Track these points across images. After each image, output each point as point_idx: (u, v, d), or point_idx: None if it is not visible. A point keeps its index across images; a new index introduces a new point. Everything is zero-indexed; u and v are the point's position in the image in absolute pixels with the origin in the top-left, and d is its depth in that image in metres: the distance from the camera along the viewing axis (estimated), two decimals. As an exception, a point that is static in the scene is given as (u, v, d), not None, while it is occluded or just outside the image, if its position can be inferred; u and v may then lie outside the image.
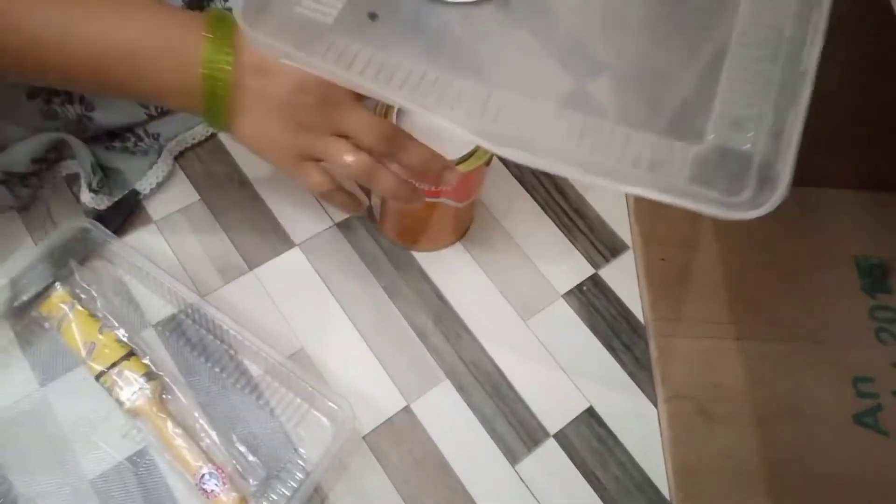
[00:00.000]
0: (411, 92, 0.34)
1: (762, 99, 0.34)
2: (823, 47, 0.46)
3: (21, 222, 0.55)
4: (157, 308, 0.53)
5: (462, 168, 0.47)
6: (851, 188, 0.65)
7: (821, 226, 0.64)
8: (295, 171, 0.43)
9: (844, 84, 0.50)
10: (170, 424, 0.46)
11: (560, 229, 0.60)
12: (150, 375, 0.48)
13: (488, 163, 0.49)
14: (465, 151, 0.47)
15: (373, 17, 0.37)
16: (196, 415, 0.47)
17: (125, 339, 0.49)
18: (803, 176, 0.63)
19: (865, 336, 0.60)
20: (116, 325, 0.49)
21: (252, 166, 0.60)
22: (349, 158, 0.41)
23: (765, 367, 0.56)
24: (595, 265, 0.59)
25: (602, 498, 0.50)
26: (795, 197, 0.66)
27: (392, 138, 0.42)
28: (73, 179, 0.57)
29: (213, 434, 0.47)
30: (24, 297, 0.51)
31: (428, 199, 0.49)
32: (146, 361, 0.49)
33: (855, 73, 0.52)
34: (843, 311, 0.61)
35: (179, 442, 0.46)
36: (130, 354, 0.48)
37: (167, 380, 0.49)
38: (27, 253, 0.52)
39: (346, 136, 0.42)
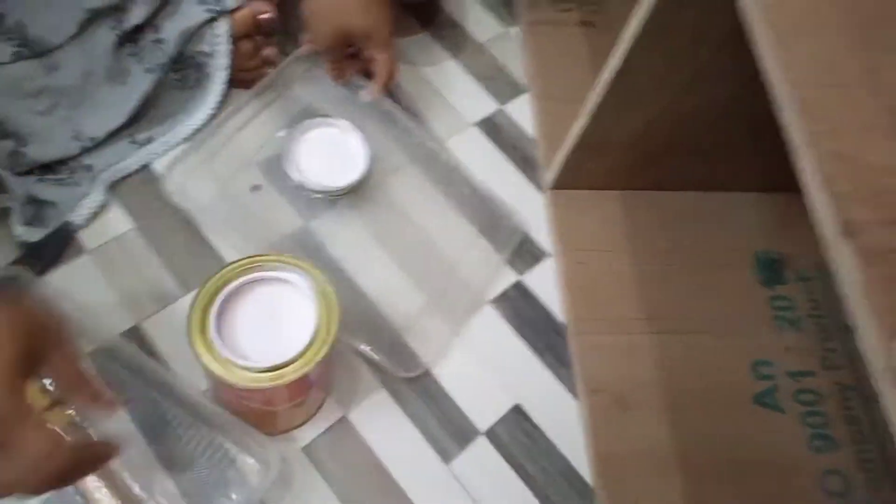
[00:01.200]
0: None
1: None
2: (716, 63, 0.51)
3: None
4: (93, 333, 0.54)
5: (270, 379, 0.43)
6: (752, 190, 0.71)
7: (725, 225, 0.70)
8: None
9: (737, 97, 0.56)
10: (90, 479, 0.45)
11: (493, 246, 0.64)
12: (74, 427, 0.46)
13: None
14: (273, 362, 0.43)
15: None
16: (117, 467, 0.46)
17: (49, 387, 0.43)
18: (710, 181, 0.70)
19: (765, 324, 0.66)
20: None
21: (185, 195, 0.61)
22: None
23: (675, 358, 0.61)
24: (518, 272, 0.63)
25: (532, 489, 0.53)
26: (703, 200, 0.72)
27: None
28: (3, 213, 0.57)
29: (136, 487, 0.46)
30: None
31: (235, 400, 0.46)
32: (70, 411, 0.45)
33: (745, 86, 0.57)
34: (744, 302, 0.66)
35: (100, 496, 0.45)
36: (54, 405, 0.44)
37: (90, 432, 0.46)
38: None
39: None
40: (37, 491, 0.35)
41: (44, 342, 0.35)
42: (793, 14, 0.33)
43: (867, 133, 0.30)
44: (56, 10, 0.59)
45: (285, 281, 0.46)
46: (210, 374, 0.43)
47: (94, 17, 0.59)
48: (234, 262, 0.45)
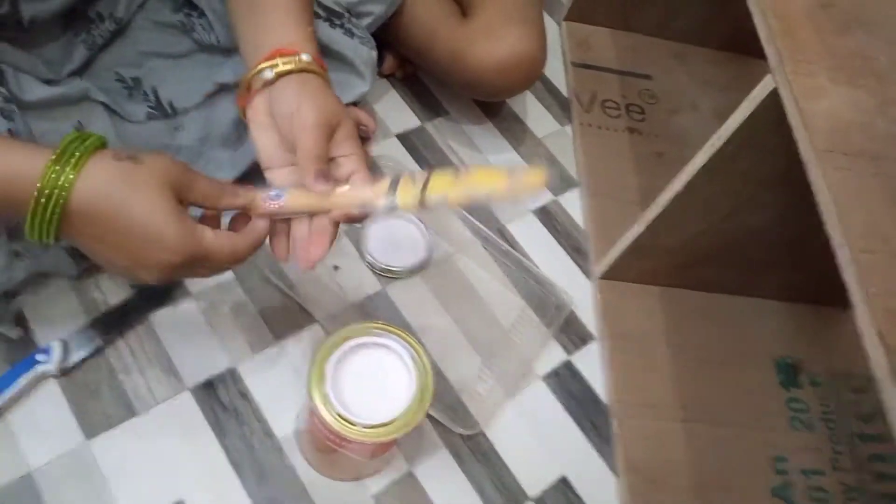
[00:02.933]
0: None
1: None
2: (760, 197, 0.60)
3: (72, 291, 0.61)
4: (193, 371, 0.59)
5: (372, 436, 0.48)
6: (774, 299, 0.80)
7: (751, 328, 0.78)
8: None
9: (771, 223, 0.64)
10: None
11: (542, 321, 0.71)
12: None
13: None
14: (377, 421, 0.48)
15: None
16: None
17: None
18: (741, 287, 0.77)
19: (782, 422, 0.73)
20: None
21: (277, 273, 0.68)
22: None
23: (703, 446, 0.68)
24: (568, 352, 0.70)
25: (573, 555, 0.59)
26: (733, 303, 0.79)
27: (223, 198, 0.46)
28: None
29: None
30: (74, 360, 0.57)
31: (333, 446, 0.51)
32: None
33: (778, 216, 0.66)
34: (765, 400, 0.73)
35: None
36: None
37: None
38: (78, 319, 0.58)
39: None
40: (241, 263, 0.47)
41: (184, 178, 0.44)
42: (849, 190, 0.42)
43: (913, 296, 0.38)
44: (188, 80, 0.67)
45: (390, 348, 0.52)
46: (320, 422, 0.49)
47: (220, 91, 0.67)
48: (349, 326, 0.52)
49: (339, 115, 0.49)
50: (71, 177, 0.40)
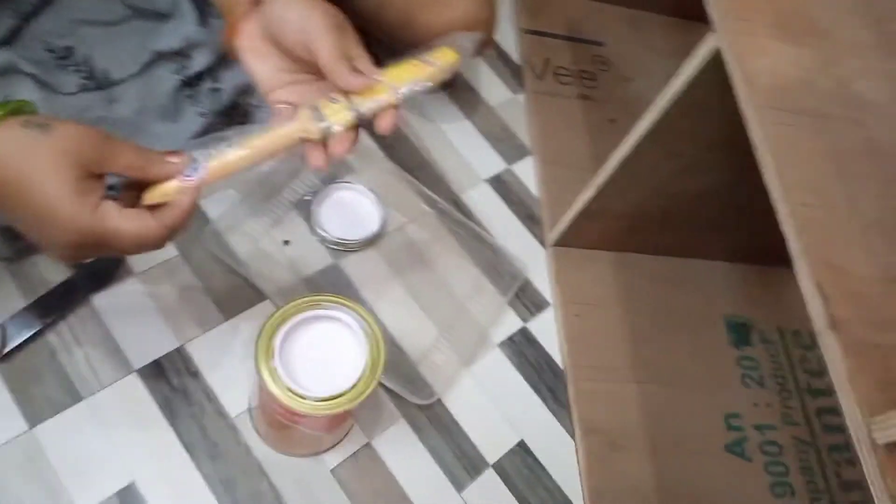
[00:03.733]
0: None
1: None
2: (704, 159, 0.61)
3: (7, 273, 0.59)
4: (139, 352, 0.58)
5: (324, 409, 0.47)
6: (724, 261, 0.81)
7: (700, 289, 0.79)
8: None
9: (718, 185, 0.65)
10: None
11: (497, 290, 0.71)
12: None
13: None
14: (328, 393, 0.48)
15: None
16: None
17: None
18: (689, 249, 0.78)
19: (734, 381, 0.74)
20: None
21: (224, 250, 0.66)
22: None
23: (658, 407, 0.69)
24: (523, 319, 0.71)
25: (532, 518, 0.60)
26: (682, 265, 0.81)
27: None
28: (57, 233, 0.61)
29: None
30: (13, 344, 0.55)
31: (286, 422, 0.51)
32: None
33: (724, 178, 0.66)
34: (717, 360, 0.75)
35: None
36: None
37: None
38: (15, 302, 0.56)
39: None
40: (159, 246, 0.44)
41: (100, 148, 0.41)
42: (789, 146, 0.42)
43: (849, 247, 0.39)
44: (123, 48, 0.64)
45: (339, 320, 0.51)
46: (270, 397, 0.48)
47: (157, 59, 0.64)
48: (296, 299, 0.51)
49: (342, 17, 0.48)
50: None
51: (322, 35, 0.46)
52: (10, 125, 0.39)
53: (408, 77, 0.47)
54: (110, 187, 0.44)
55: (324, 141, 0.47)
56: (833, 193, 0.41)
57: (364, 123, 0.47)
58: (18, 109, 0.41)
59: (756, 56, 0.45)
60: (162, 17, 0.63)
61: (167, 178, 0.44)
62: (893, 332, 0.37)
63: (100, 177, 0.42)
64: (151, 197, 0.44)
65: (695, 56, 0.49)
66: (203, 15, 0.63)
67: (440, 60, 0.48)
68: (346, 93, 0.46)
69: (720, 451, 0.69)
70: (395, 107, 0.47)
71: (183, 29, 0.62)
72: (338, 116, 0.46)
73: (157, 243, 0.43)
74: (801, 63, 0.46)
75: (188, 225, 0.45)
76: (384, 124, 0.47)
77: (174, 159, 0.44)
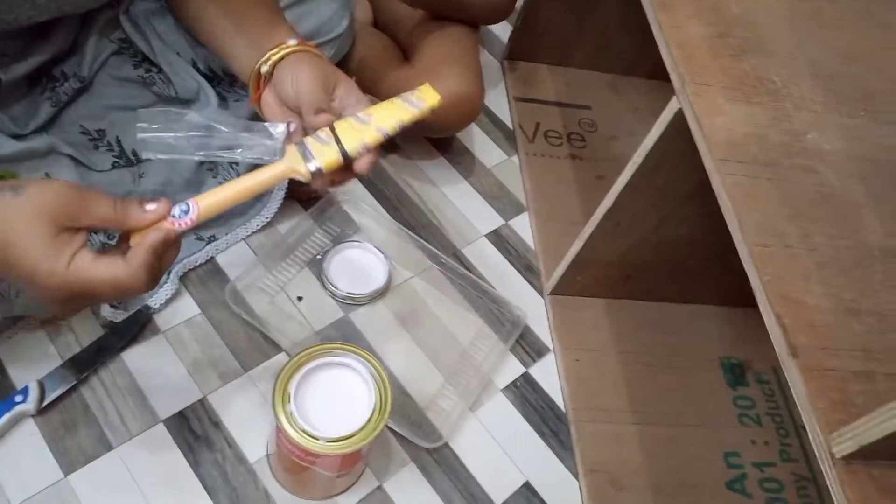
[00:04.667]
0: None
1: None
2: (682, 210, 0.66)
3: (45, 333, 0.64)
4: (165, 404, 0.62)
5: (336, 448, 0.51)
6: (714, 304, 0.85)
7: (693, 333, 0.83)
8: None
9: (700, 233, 0.70)
10: None
11: (498, 337, 0.75)
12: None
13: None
14: (339, 434, 0.51)
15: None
16: None
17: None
18: (679, 295, 0.83)
19: (731, 419, 0.77)
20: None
21: (242, 306, 0.72)
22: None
23: (658, 447, 0.72)
24: (525, 365, 0.74)
25: (538, 556, 0.62)
26: (674, 310, 0.84)
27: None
28: (91, 296, 0.66)
29: None
30: (50, 399, 0.60)
31: (302, 464, 0.54)
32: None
33: (706, 226, 0.71)
34: (713, 400, 0.78)
35: None
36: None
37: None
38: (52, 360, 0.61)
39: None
40: (146, 290, 0.44)
41: (74, 204, 0.42)
42: (745, 194, 0.47)
43: (804, 281, 0.43)
44: (150, 129, 0.71)
45: (349, 366, 0.56)
46: (288, 440, 0.52)
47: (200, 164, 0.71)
48: (309, 348, 0.55)
49: (335, 74, 0.55)
50: None
51: (303, 90, 0.52)
52: None
53: (393, 118, 0.50)
54: (109, 236, 0.47)
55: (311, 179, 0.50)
56: (788, 234, 0.46)
57: (348, 163, 0.50)
58: (2, 177, 0.45)
59: (713, 115, 0.51)
60: (186, 102, 0.70)
61: (147, 225, 0.44)
62: (846, 357, 0.41)
63: (77, 230, 0.43)
64: (135, 241, 0.44)
65: (662, 117, 0.55)
66: (223, 99, 0.71)
67: (424, 101, 0.51)
68: (332, 130, 0.50)
69: (721, 488, 0.71)
70: (377, 148, 0.51)
71: (205, 112, 0.69)
72: (325, 157, 0.49)
73: (138, 285, 0.43)
74: (754, 119, 0.52)
75: (168, 261, 0.46)
76: (362, 165, 0.51)
77: (151, 206, 0.44)
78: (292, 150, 0.49)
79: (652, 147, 0.57)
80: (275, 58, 0.55)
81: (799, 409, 0.40)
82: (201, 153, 0.50)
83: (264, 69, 0.55)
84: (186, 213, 0.45)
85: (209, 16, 0.60)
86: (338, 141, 0.50)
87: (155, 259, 0.44)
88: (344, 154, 0.50)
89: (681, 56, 0.54)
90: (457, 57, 0.82)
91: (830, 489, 0.37)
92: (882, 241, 0.47)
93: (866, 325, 0.43)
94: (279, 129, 0.51)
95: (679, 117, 0.53)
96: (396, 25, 0.91)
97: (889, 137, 0.54)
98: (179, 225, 0.45)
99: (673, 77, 0.54)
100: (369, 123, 0.50)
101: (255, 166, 0.50)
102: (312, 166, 0.49)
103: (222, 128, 0.50)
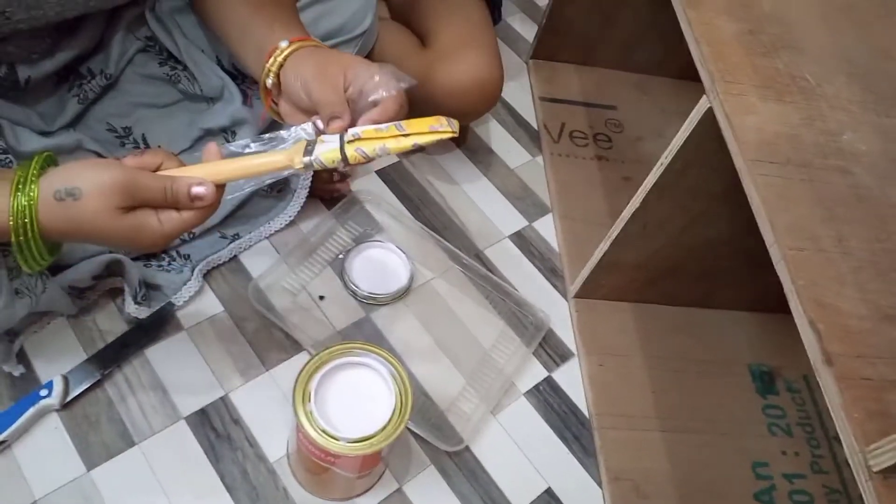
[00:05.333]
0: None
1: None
2: (710, 211, 0.64)
3: (70, 328, 0.65)
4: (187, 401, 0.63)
5: (356, 449, 0.51)
6: (744, 310, 0.83)
7: (722, 339, 0.81)
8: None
9: (729, 235, 0.68)
10: None
11: (521, 340, 0.74)
12: None
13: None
14: (360, 434, 0.51)
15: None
16: None
17: None
18: (707, 299, 0.81)
19: (760, 429, 0.75)
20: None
21: (264, 304, 0.72)
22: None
23: (684, 454, 0.70)
24: (548, 369, 0.73)
25: (560, 564, 0.61)
26: (702, 315, 0.82)
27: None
28: (115, 293, 0.67)
29: None
30: (74, 393, 0.60)
31: (321, 464, 0.54)
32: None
33: (735, 228, 0.69)
34: (742, 408, 0.76)
35: None
36: None
37: None
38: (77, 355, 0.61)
39: None
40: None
41: (127, 184, 0.44)
42: (778, 196, 0.46)
43: (839, 286, 0.42)
44: (175, 127, 0.72)
45: (369, 366, 0.55)
46: (308, 439, 0.52)
47: (205, 135, 0.72)
48: (330, 347, 0.55)
49: (338, 61, 0.53)
50: (24, 202, 0.43)
51: (310, 88, 0.51)
52: (45, 203, 0.44)
53: (404, 140, 0.50)
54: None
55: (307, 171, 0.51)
56: (823, 237, 0.44)
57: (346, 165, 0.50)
58: (45, 163, 0.46)
59: (744, 114, 0.49)
60: (210, 100, 0.71)
61: (194, 209, 0.47)
62: (883, 366, 0.39)
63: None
64: None
65: (691, 116, 0.54)
66: (246, 96, 0.71)
67: (439, 129, 0.50)
68: (341, 136, 0.50)
69: (749, 499, 0.69)
70: (372, 160, 0.50)
71: (230, 108, 0.69)
72: (325, 155, 0.49)
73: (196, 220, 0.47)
74: (787, 119, 0.50)
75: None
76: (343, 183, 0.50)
77: (198, 190, 0.47)
78: (300, 143, 0.50)
79: (681, 147, 0.56)
80: (273, 69, 0.54)
81: (833, 419, 0.38)
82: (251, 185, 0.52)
83: (269, 82, 0.55)
84: (200, 186, 0.47)
85: (219, 20, 0.60)
86: (342, 143, 0.49)
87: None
88: (343, 157, 0.49)
89: (710, 53, 0.53)
90: (474, 39, 0.80)
91: (866, 503, 0.36)
92: (922, 245, 0.45)
93: (905, 333, 0.41)
94: (308, 131, 0.51)
95: (709, 116, 0.52)
96: (408, 10, 0.90)
97: (930, 138, 0.52)
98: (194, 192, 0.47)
99: (702, 75, 0.53)
100: (384, 131, 0.50)
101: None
102: (307, 160, 0.49)
103: (254, 150, 0.51)
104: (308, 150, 0.49)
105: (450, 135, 0.50)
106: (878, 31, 0.61)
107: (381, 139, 0.49)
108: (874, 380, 0.38)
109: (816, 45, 0.57)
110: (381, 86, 0.51)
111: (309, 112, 0.54)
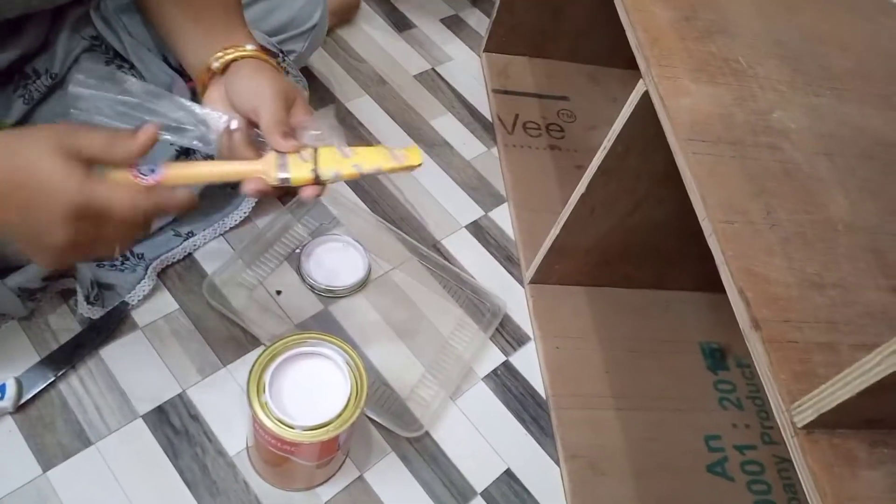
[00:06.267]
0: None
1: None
2: (654, 193, 0.66)
3: (22, 331, 0.64)
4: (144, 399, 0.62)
5: (312, 436, 0.52)
6: (693, 290, 0.85)
7: (673, 319, 0.83)
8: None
9: (674, 217, 0.71)
10: None
11: (479, 327, 0.76)
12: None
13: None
14: (315, 422, 0.52)
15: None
16: None
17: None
18: (657, 281, 0.83)
19: (712, 403, 0.78)
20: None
21: (220, 300, 0.72)
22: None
23: (638, 431, 0.72)
24: (506, 354, 0.75)
25: (520, 542, 0.62)
26: (653, 296, 0.85)
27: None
28: (68, 294, 0.66)
29: None
30: (28, 396, 0.60)
31: (280, 454, 0.54)
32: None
33: (679, 209, 0.72)
34: (694, 384, 0.79)
35: None
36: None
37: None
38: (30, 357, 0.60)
39: None
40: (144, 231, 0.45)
41: (73, 135, 0.43)
42: (709, 172, 0.48)
43: (767, 256, 0.44)
44: (126, 125, 0.71)
45: (324, 355, 0.56)
46: (264, 430, 0.52)
47: (178, 155, 0.71)
48: (284, 338, 0.56)
49: (294, 92, 0.54)
50: None
51: (265, 102, 0.51)
52: None
53: (373, 162, 0.51)
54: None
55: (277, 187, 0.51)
56: (752, 210, 0.46)
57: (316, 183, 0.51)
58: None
59: (678, 96, 0.51)
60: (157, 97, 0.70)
61: (137, 147, 0.46)
62: (809, 330, 0.41)
63: (84, 162, 0.43)
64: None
65: (629, 100, 0.56)
66: (195, 92, 0.70)
67: (406, 160, 0.52)
68: (315, 151, 0.51)
69: (702, 471, 0.72)
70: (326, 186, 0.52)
71: (150, 85, 0.68)
72: (298, 172, 0.50)
73: (148, 217, 0.45)
74: (719, 100, 0.52)
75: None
76: (308, 192, 0.51)
77: (140, 136, 0.45)
78: (272, 156, 0.51)
79: (621, 130, 0.58)
80: (229, 57, 0.54)
81: (761, 379, 0.40)
82: (127, 123, 0.50)
83: (215, 65, 0.55)
84: (153, 172, 0.47)
85: (168, 4, 0.59)
86: (316, 161, 0.51)
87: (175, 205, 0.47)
88: (316, 175, 0.50)
89: (646, 39, 0.54)
90: None
91: (793, 458, 0.38)
92: (846, 215, 0.48)
93: (830, 298, 0.43)
94: (221, 121, 0.51)
95: (646, 100, 0.54)
96: None
97: (854, 115, 0.55)
98: (142, 181, 0.46)
99: (639, 60, 0.54)
100: (350, 158, 0.51)
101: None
102: (282, 175, 0.50)
103: (160, 103, 0.50)
104: (281, 167, 0.50)
105: (415, 164, 0.52)
106: (809, 16, 0.64)
107: (351, 161, 0.51)
108: (800, 342, 0.41)
109: (749, 30, 0.60)
110: (312, 129, 0.52)
111: (237, 111, 0.54)
